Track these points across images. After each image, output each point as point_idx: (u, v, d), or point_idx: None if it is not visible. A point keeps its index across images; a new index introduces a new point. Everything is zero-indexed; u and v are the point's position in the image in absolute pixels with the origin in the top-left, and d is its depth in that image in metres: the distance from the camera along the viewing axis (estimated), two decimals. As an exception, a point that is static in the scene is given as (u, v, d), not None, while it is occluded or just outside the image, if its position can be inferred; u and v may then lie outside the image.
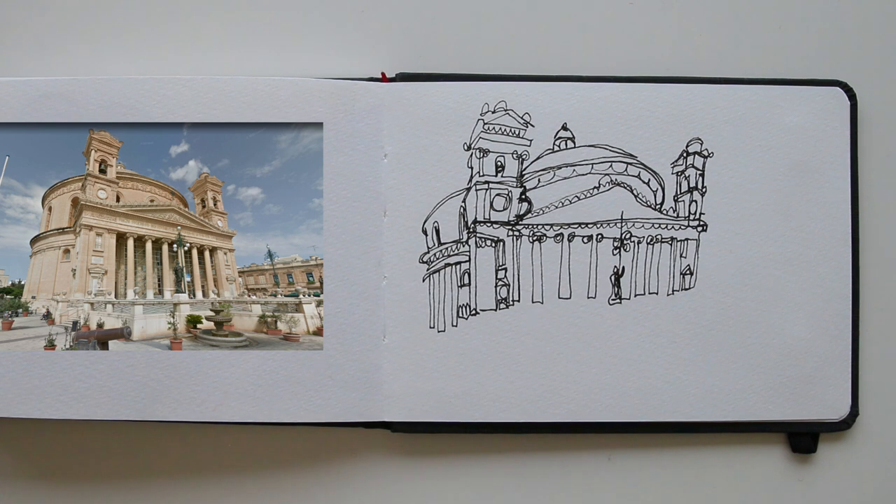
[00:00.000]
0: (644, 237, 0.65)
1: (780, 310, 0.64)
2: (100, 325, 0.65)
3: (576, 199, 0.65)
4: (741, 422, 0.64)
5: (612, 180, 0.65)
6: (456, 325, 0.64)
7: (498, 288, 0.64)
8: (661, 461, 0.67)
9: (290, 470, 0.66)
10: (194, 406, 0.62)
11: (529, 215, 0.65)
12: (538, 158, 0.65)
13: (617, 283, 0.64)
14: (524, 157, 0.65)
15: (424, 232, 0.64)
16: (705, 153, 0.64)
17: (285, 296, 0.68)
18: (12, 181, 0.64)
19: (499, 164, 0.64)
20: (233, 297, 0.69)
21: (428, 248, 0.64)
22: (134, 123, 0.63)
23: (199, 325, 0.66)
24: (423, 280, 0.64)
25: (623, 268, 0.65)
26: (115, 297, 0.68)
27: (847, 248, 0.65)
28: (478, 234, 0.64)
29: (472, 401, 0.63)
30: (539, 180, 0.65)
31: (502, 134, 0.64)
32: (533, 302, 0.64)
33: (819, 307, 0.64)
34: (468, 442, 0.66)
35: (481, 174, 0.64)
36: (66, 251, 0.69)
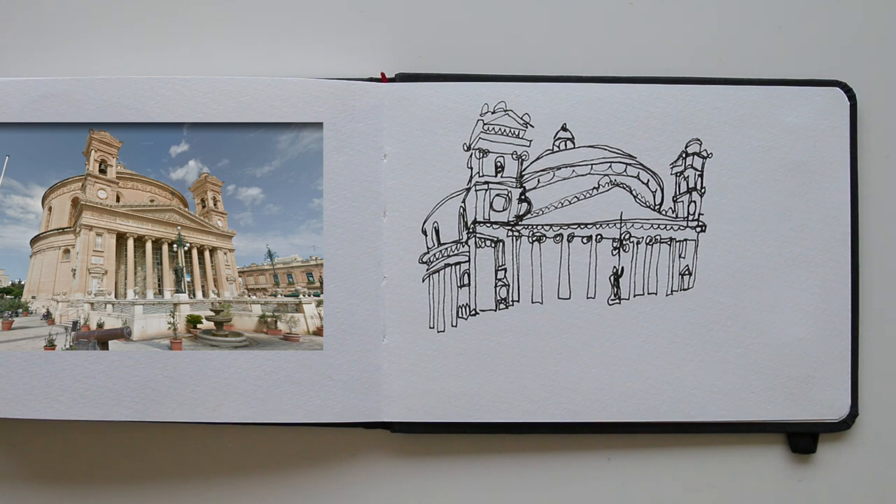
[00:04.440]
0: (643, 237, 0.65)
1: (779, 310, 0.64)
2: (100, 325, 0.65)
3: (575, 199, 0.65)
4: (741, 422, 0.64)
5: (611, 181, 0.65)
6: (455, 326, 0.64)
7: (497, 288, 0.64)
8: (660, 461, 0.67)
9: (290, 470, 0.66)
10: (194, 406, 0.62)
11: (529, 216, 0.65)
12: (538, 159, 0.65)
13: (616, 284, 0.64)
14: (524, 157, 0.65)
15: (424, 232, 0.64)
16: (704, 154, 0.64)
17: (285, 296, 0.68)
18: (12, 181, 0.64)
19: (498, 164, 0.64)
20: (233, 297, 0.69)
21: (428, 248, 0.64)
22: (134, 123, 0.63)
23: (199, 325, 0.66)
24: (423, 280, 0.64)
25: (622, 268, 0.65)
26: (115, 297, 0.68)
27: (846, 248, 0.65)
28: (477, 235, 0.64)
29: (471, 401, 0.63)
30: (539, 181, 0.65)
31: (502, 134, 0.64)
32: (532, 302, 0.64)
33: (818, 307, 0.64)
34: (468, 442, 0.66)
35: (481, 174, 0.64)
36: (66, 251, 0.69)
